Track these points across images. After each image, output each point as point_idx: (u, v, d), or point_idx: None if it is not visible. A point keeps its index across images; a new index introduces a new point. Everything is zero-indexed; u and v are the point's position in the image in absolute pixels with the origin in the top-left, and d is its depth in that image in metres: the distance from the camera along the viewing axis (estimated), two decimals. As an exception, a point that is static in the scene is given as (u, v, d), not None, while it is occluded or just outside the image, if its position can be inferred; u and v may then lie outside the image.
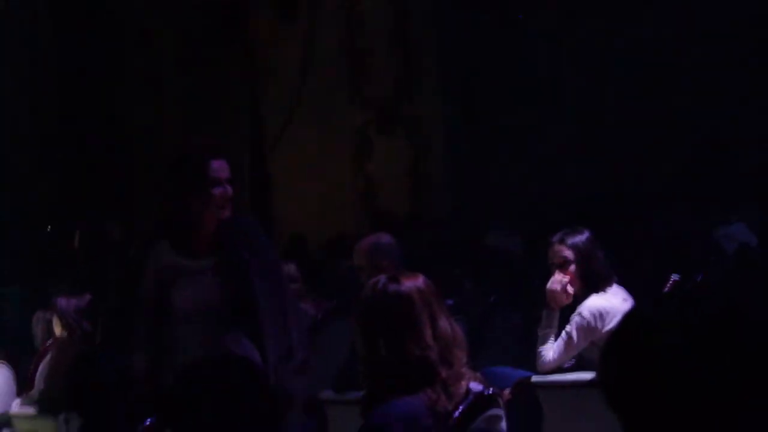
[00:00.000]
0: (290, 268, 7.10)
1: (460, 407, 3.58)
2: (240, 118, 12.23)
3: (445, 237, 9.19)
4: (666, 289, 5.55)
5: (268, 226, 12.07)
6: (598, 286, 5.55)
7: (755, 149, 9.56)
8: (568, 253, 5.62)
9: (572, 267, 5.60)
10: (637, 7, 10.12)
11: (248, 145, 12.25)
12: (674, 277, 5.52)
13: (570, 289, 5.57)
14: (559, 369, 5.50)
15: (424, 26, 11.55)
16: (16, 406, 7.28)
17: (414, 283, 3.69)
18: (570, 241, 5.64)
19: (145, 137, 12.36)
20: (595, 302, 5.48)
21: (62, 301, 7.44)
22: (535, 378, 5.46)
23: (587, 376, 5.36)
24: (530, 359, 5.57)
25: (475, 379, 3.73)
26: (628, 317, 1.95)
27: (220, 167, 4.75)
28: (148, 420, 4.24)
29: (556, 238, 5.69)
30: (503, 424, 3.66)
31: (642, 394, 1.78)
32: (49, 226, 10.44)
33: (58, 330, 7.39)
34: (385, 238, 6.03)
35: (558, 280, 5.57)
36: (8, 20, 11.87)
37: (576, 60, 10.21)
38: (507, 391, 4.92)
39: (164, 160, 11.96)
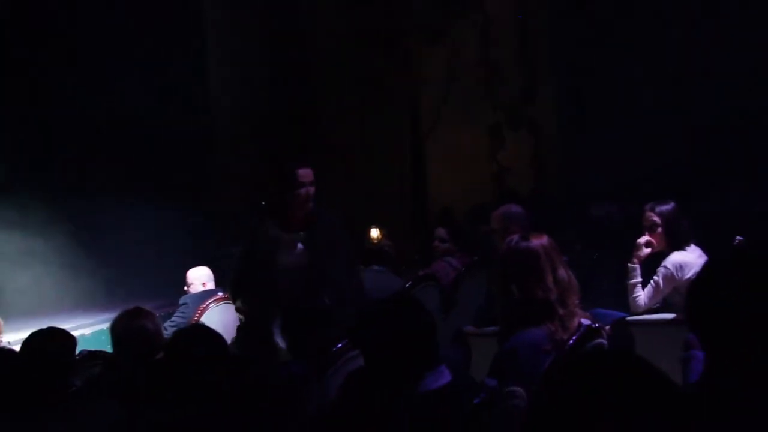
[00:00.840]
0: (441, 232, 7.14)
1: (574, 337, 3.64)
2: (401, 117, 12.34)
3: (559, 209, 9.13)
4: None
5: (424, 200, 12.21)
6: (680, 245, 5.51)
7: None
8: (656, 219, 5.59)
9: (659, 230, 5.58)
10: (733, 6, 9.65)
11: (408, 139, 12.38)
12: (738, 238, 5.44)
13: (646, 250, 5.55)
14: (648, 310, 5.49)
15: (542, 44, 11.47)
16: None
17: (540, 241, 3.75)
18: (658, 209, 5.60)
19: (329, 135, 12.57)
20: (676, 257, 5.44)
21: None
22: (629, 317, 5.44)
23: (670, 315, 5.33)
24: (625, 303, 5.56)
25: (585, 317, 3.78)
26: (707, 264, 2.00)
27: (304, 174, 5.28)
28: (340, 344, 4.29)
29: (648, 206, 5.66)
30: (606, 351, 3.69)
31: (719, 320, 1.83)
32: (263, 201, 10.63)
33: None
34: (516, 207, 6.01)
35: (640, 240, 5.57)
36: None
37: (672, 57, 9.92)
38: (608, 328, 4.92)
39: (346, 152, 12.28)
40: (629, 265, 5.56)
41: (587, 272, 5.98)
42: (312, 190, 5.30)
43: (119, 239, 9.70)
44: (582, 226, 6.89)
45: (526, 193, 10.48)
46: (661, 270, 5.43)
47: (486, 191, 11.20)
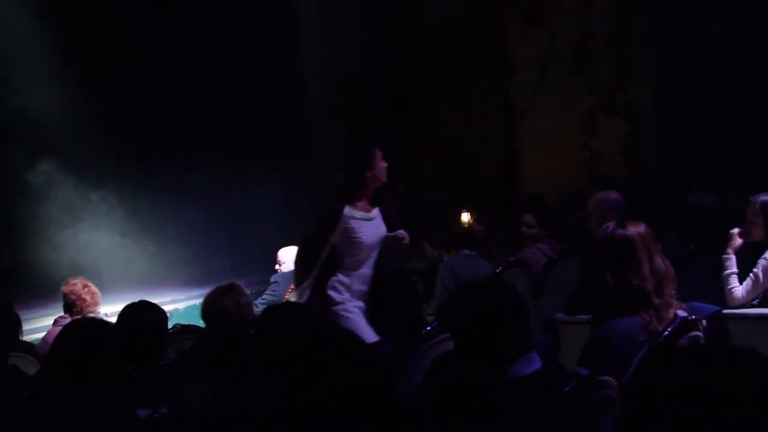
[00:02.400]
0: (528, 217, 7.03)
1: (669, 328, 3.54)
2: (495, 101, 12.24)
3: (654, 197, 8.94)
4: None
5: (515, 185, 12.10)
6: None
7: None
8: (759, 209, 5.42)
9: (761, 220, 5.41)
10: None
11: (502, 123, 12.28)
12: None
13: (739, 240, 5.39)
14: (746, 305, 5.32)
15: (638, 30, 11.23)
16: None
17: (637, 229, 3.66)
18: (761, 199, 5.44)
19: (422, 118, 12.56)
20: None
21: None
22: (726, 311, 5.29)
23: (769, 310, 5.17)
24: (722, 296, 5.40)
25: (681, 308, 3.67)
26: None
27: (381, 154, 5.52)
28: (429, 327, 4.28)
29: (753, 197, 5.50)
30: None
31: None
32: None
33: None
34: (614, 195, 5.91)
35: (734, 231, 5.41)
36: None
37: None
38: (704, 321, 4.79)
39: (439, 132, 12.24)
40: (724, 256, 5.41)
41: (683, 263, 5.87)
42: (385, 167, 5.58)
43: (219, 214, 9.83)
44: (678, 214, 6.73)
45: (620, 180, 10.28)
46: (761, 262, 5.26)
47: (578, 177, 11.04)
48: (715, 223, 6.37)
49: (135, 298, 4.26)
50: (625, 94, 11.33)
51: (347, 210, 5.47)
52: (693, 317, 3.62)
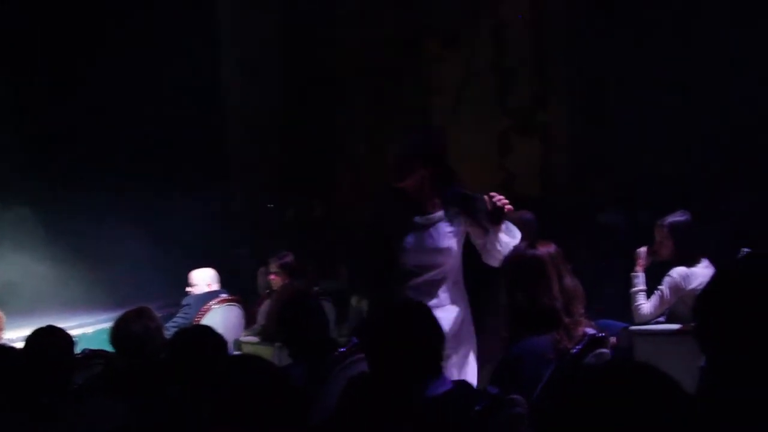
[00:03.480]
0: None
1: (578, 346, 3.62)
2: (413, 119, 12.35)
3: (568, 217, 9.11)
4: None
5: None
6: (689, 259, 5.51)
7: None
8: (667, 230, 5.59)
9: (670, 242, 5.57)
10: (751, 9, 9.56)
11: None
12: (745, 250, 5.43)
13: (647, 258, 5.56)
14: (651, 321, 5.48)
15: (554, 52, 11.46)
16: (243, 336, 7.49)
17: (547, 249, 3.74)
18: (669, 220, 5.61)
19: (341, 133, 12.61)
20: (682, 267, 5.44)
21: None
22: (632, 327, 5.43)
23: (674, 326, 5.31)
24: (629, 313, 5.55)
25: (590, 326, 3.76)
26: (715, 276, 2.00)
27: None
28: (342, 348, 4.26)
29: (661, 220, 5.66)
30: (610, 361, 3.68)
31: (727, 332, 1.82)
32: (271, 204, 10.60)
33: (277, 281, 7.61)
34: (527, 214, 6.03)
35: (642, 249, 5.58)
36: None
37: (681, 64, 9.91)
38: (613, 339, 4.91)
39: (357, 153, 12.28)
40: (632, 273, 5.56)
41: (594, 281, 6.00)
42: None
43: (123, 237, 9.72)
44: (590, 234, 6.88)
45: (535, 200, 10.46)
46: (666, 279, 5.43)
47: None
48: (624, 242, 6.53)
49: (42, 322, 4.18)
50: (541, 114, 11.54)
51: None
52: (601, 334, 3.71)
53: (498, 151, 11.73)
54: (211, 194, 10.57)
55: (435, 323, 3.07)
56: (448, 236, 4.53)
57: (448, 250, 4.52)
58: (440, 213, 4.55)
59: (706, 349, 1.88)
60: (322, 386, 3.98)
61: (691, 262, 5.47)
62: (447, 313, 4.41)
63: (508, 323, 3.77)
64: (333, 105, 12.75)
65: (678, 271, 5.43)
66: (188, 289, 7.12)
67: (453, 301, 4.51)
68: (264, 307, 7.50)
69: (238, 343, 7.28)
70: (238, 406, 2.39)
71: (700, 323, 1.90)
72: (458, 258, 4.57)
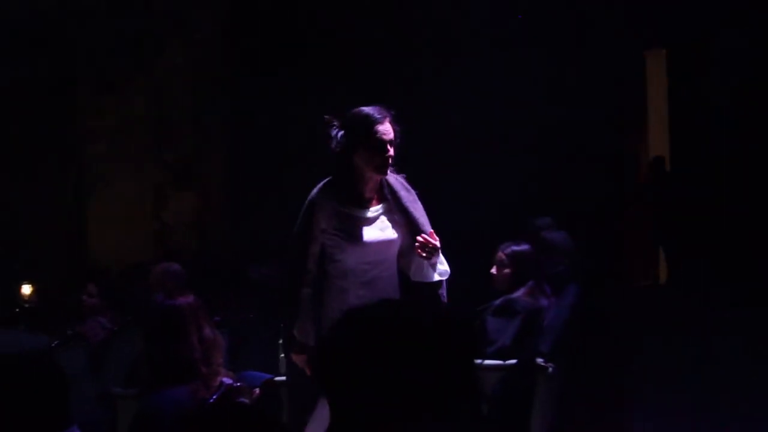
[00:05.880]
0: (90, 288, 6.94)
1: (215, 395, 3.71)
2: (66, 170, 11.95)
3: (221, 269, 9.21)
4: None
5: (83, 256, 11.81)
6: None
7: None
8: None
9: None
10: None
11: (71, 193, 11.98)
12: None
13: None
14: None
15: (212, 105, 11.64)
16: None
17: (185, 300, 3.81)
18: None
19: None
20: None
21: None
22: (278, 378, 5.60)
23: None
24: (275, 364, 5.71)
25: (227, 376, 3.87)
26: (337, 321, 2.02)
27: (385, 130, 4.23)
28: None
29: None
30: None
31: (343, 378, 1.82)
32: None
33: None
34: (175, 266, 6.10)
35: None
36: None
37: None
38: (257, 390, 5.02)
39: (8, 203, 11.61)
40: (282, 324, 5.73)
41: (241, 333, 6.14)
42: (392, 152, 4.36)
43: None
44: (239, 287, 7.03)
45: (190, 253, 10.50)
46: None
47: (148, 250, 11.08)
48: (273, 295, 6.72)
49: None
50: (198, 167, 11.63)
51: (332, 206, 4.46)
52: (238, 384, 3.82)
53: (154, 203, 11.66)
54: None
55: (58, 373, 2.98)
56: (393, 227, 4.34)
57: (397, 240, 4.35)
58: (381, 206, 4.36)
59: (329, 395, 1.86)
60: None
61: None
62: None
63: (147, 376, 3.78)
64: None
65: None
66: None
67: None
68: None
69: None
70: None
71: (316, 368, 1.95)
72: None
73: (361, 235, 4.28)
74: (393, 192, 4.34)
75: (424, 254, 4.19)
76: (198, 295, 3.94)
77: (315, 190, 4.35)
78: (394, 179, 4.39)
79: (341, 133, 4.28)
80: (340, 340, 1.85)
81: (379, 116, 4.24)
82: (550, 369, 5.22)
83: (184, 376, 3.67)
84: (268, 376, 5.60)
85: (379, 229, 4.32)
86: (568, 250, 6.02)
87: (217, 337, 3.85)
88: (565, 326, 5.50)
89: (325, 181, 4.36)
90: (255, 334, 6.16)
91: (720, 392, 6.85)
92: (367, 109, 4.26)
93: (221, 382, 3.74)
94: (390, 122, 4.27)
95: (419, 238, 4.19)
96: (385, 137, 4.21)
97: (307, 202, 4.36)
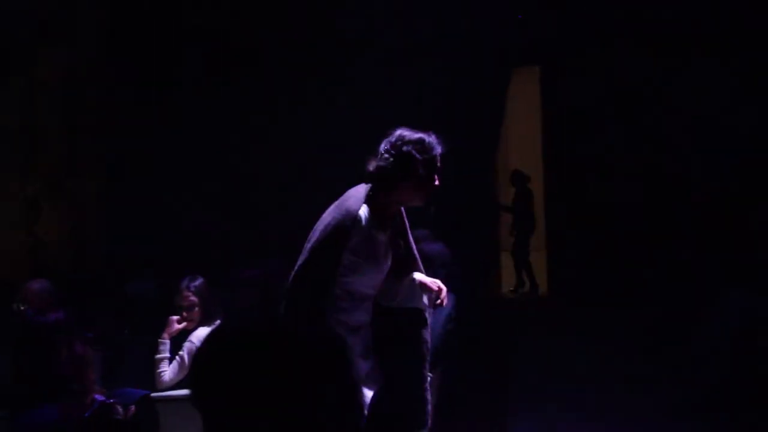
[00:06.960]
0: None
1: (88, 413, 3.66)
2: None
3: (96, 284, 9.04)
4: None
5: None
6: (211, 319, 5.73)
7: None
8: (192, 296, 5.78)
9: (196, 307, 5.77)
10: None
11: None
12: None
13: (177, 326, 5.73)
14: (177, 386, 5.62)
15: (86, 116, 11.42)
16: None
17: (56, 315, 3.77)
18: (192, 285, 5.81)
19: None
20: (202, 331, 5.66)
21: None
22: (153, 394, 5.53)
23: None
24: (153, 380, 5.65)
25: (100, 393, 3.83)
26: (208, 336, 2.01)
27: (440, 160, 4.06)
28: None
29: (183, 284, 5.82)
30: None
31: (220, 397, 1.75)
32: None
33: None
34: (44, 282, 5.93)
35: (173, 318, 5.74)
36: None
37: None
38: (132, 407, 4.95)
39: None
40: (159, 340, 5.68)
41: (119, 349, 6.04)
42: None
43: None
44: (116, 302, 6.92)
45: (65, 268, 10.26)
46: (186, 345, 5.62)
47: (22, 266, 10.78)
48: (151, 310, 6.65)
49: None
50: (72, 180, 11.38)
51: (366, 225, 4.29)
52: (111, 401, 3.78)
53: (26, 218, 11.35)
54: None
55: None
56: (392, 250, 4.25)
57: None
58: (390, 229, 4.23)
59: (202, 411, 1.78)
60: None
61: (213, 321, 5.69)
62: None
63: (14, 394, 3.72)
64: None
65: (197, 336, 5.63)
66: None
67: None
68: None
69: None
70: None
71: (194, 383, 1.81)
72: None
73: (381, 260, 4.16)
74: (401, 216, 4.25)
75: (433, 307, 4.25)
76: (71, 311, 3.89)
77: (352, 211, 4.05)
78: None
79: (398, 156, 4.02)
80: (211, 356, 1.80)
81: (440, 146, 4.07)
82: (428, 377, 5.31)
83: (55, 393, 3.62)
84: (144, 392, 5.54)
85: (390, 253, 4.23)
86: (445, 261, 6.13)
87: (89, 353, 3.81)
88: (442, 336, 5.62)
89: (361, 202, 4.08)
90: (130, 351, 6.07)
91: (594, 392, 7.14)
92: (429, 137, 4.05)
93: (94, 399, 3.70)
94: None
95: (434, 288, 4.17)
96: (439, 166, 4.08)
97: (341, 221, 4.03)
